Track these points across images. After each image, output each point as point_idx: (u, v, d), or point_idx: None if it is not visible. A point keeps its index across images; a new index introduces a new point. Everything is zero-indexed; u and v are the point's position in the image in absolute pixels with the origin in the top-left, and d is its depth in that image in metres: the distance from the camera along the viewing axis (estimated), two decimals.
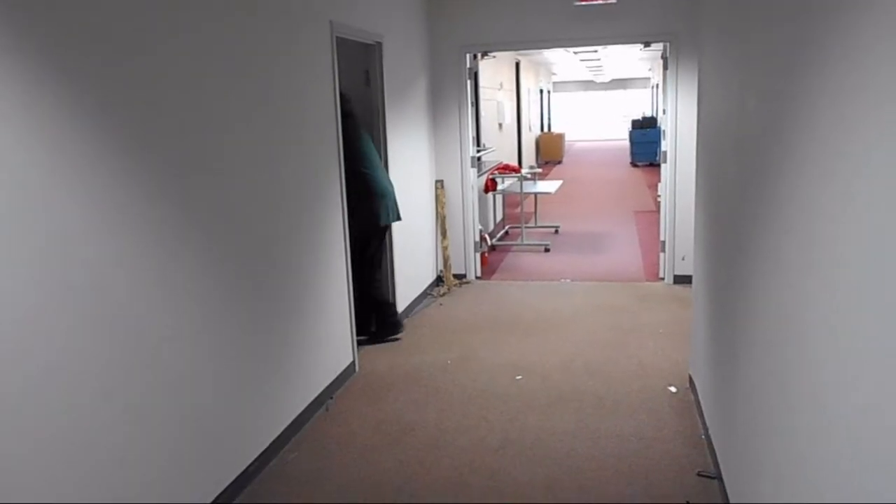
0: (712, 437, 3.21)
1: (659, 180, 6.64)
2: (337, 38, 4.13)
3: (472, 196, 6.65)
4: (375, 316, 5.05)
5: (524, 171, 9.25)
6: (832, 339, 1.53)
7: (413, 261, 5.54)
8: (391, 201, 4.94)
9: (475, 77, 6.70)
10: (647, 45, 6.68)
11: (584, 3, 5.96)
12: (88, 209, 2.20)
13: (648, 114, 20.13)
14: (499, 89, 10.99)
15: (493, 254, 7.67)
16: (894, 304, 1.19)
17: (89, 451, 2.20)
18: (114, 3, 2.32)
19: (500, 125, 11.05)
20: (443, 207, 6.41)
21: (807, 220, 1.75)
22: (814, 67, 1.69)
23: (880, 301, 1.26)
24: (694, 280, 4.09)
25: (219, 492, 2.92)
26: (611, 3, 5.92)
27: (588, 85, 27.74)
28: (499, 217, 9.21)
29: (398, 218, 5.00)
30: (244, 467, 3.12)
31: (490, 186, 8.17)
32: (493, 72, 10.18)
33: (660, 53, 7.09)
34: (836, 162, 1.53)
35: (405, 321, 5.36)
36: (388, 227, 5.05)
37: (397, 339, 5.03)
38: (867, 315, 1.33)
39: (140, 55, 2.45)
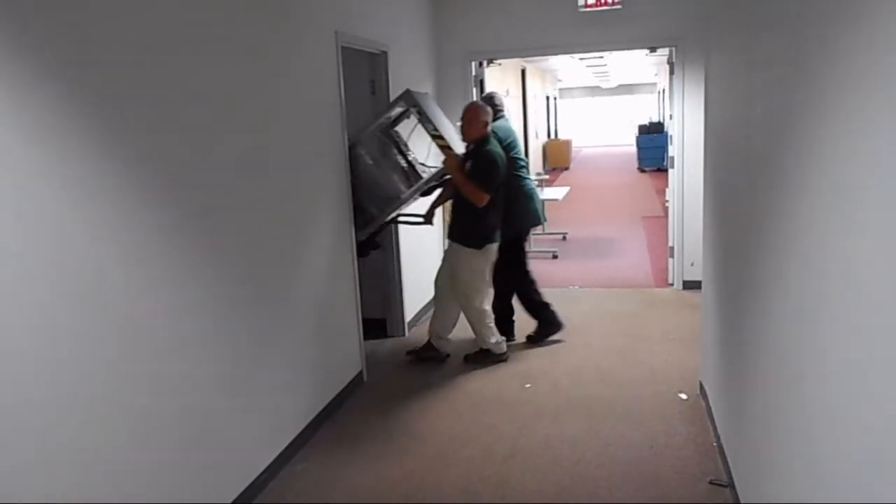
0: (724, 444, 3.18)
1: (667, 185, 6.61)
2: (342, 47, 4.14)
3: None
4: (539, 318, 5.03)
5: (531, 177, 9.21)
6: (847, 345, 1.51)
7: (420, 268, 5.53)
8: (539, 202, 5.03)
9: (481, 84, 6.69)
10: (652, 50, 6.67)
11: (589, 9, 5.96)
12: (94, 218, 2.20)
13: (655, 119, 20.10)
14: (505, 96, 10.99)
15: None
16: None
17: (93, 462, 2.19)
18: (122, 12, 2.33)
19: None
20: (450, 215, 6.40)
21: (818, 223, 1.73)
22: (821, 72, 1.68)
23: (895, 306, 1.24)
24: (703, 286, 4.06)
25: (228, 503, 2.90)
26: (616, 9, 5.92)
27: (594, 91, 27.71)
28: None
29: (545, 219, 5.07)
30: (253, 478, 3.10)
31: None
32: (500, 79, 10.19)
33: (666, 58, 7.08)
34: (847, 166, 1.51)
35: (412, 329, 5.34)
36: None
37: (560, 341, 5.01)
38: (882, 321, 1.31)
39: (147, 65, 2.45)
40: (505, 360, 4.66)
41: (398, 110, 4.63)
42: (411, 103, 4.52)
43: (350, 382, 4.23)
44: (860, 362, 1.41)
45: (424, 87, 6.06)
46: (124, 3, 2.35)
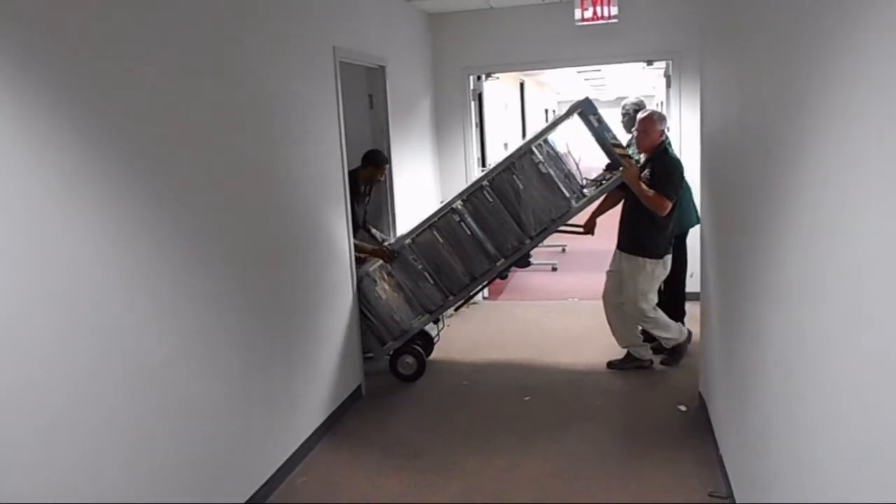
0: (724, 456, 3.17)
1: None
2: (340, 62, 4.17)
3: None
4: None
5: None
6: (846, 357, 1.52)
7: None
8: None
9: (479, 98, 6.73)
10: (649, 63, 6.70)
11: (586, 23, 5.99)
12: (92, 232, 2.21)
13: None
14: (504, 109, 11.04)
15: None
16: None
17: (89, 478, 2.19)
18: (124, 29, 2.35)
19: (506, 145, 11.08)
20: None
21: (814, 232, 1.74)
22: (810, 82, 1.70)
23: (891, 322, 1.25)
24: (702, 297, 4.07)
25: None
26: (613, 23, 5.95)
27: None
28: None
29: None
30: (251, 493, 3.10)
31: None
32: (498, 92, 10.24)
33: (662, 71, 7.12)
34: (842, 172, 1.52)
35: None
36: None
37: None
38: (881, 331, 1.31)
39: (146, 75, 2.47)
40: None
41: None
42: (591, 111, 4.49)
43: (349, 396, 4.23)
44: (860, 374, 1.41)
45: (423, 101, 6.10)
46: (124, 12, 2.38)
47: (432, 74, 6.36)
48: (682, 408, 3.98)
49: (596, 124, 4.47)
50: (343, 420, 4.06)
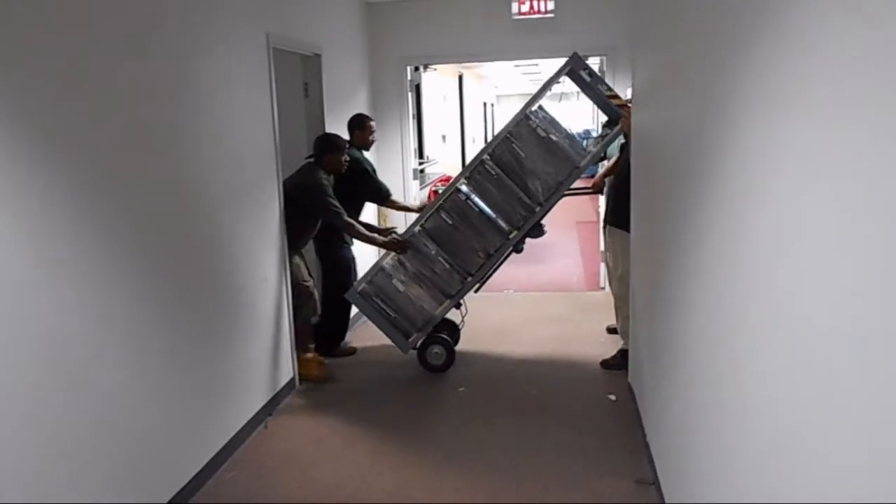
0: (650, 443, 3.26)
1: None
2: (274, 49, 4.09)
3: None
4: None
5: None
6: (760, 347, 1.57)
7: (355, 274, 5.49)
8: None
9: (417, 89, 6.73)
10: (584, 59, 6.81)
11: (522, 17, 6.05)
12: (10, 221, 2.11)
13: (590, 126, 20.45)
14: (442, 101, 11.05)
15: None
16: (815, 312, 1.23)
17: (9, 475, 2.09)
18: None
19: (444, 137, 11.11)
20: (385, 220, 6.39)
21: (729, 227, 1.80)
22: (728, 84, 1.75)
23: (803, 309, 1.30)
24: (631, 290, 4.16)
25: None
26: (549, 18, 6.03)
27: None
28: None
29: None
30: (179, 488, 3.02)
31: (433, 199, 8.17)
32: (437, 84, 10.24)
33: (597, 67, 7.25)
34: (755, 169, 1.57)
35: (349, 335, 5.29)
36: None
37: None
38: (792, 322, 1.37)
39: (62, 67, 2.37)
40: None
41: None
42: (581, 66, 4.42)
43: (282, 389, 4.16)
44: (773, 363, 1.47)
45: (360, 91, 6.04)
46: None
47: (369, 64, 6.31)
48: (612, 397, 4.07)
49: (588, 78, 4.46)
50: (275, 413, 4.00)
